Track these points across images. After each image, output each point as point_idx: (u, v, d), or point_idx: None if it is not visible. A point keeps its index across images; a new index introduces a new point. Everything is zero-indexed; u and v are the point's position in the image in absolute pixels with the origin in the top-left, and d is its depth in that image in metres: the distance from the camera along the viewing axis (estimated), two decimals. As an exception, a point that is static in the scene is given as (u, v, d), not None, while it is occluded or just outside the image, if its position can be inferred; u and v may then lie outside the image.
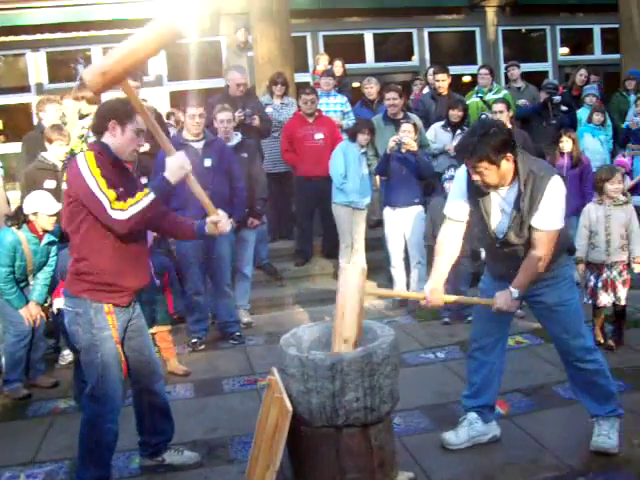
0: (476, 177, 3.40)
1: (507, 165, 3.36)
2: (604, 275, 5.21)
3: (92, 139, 6.02)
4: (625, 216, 5.17)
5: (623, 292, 5.20)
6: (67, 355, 5.53)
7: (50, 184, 5.59)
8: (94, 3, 10.89)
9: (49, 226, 4.98)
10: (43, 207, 4.94)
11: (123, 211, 3.16)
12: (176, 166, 3.25)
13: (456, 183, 3.72)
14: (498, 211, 3.52)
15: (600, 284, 5.23)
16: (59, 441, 4.26)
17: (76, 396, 4.71)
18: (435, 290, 3.65)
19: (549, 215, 3.37)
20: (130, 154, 3.44)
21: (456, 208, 3.67)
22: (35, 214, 4.95)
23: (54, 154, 5.71)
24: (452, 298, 3.87)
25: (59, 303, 4.57)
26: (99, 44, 11.50)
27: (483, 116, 7.38)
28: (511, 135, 3.44)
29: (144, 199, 3.20)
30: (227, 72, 7.85)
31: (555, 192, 3.37)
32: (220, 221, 3.50)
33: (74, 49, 11.69)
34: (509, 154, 3.34)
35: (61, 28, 11.03)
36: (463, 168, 3.61)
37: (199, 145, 5.73)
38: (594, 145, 8.20)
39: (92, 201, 3.18)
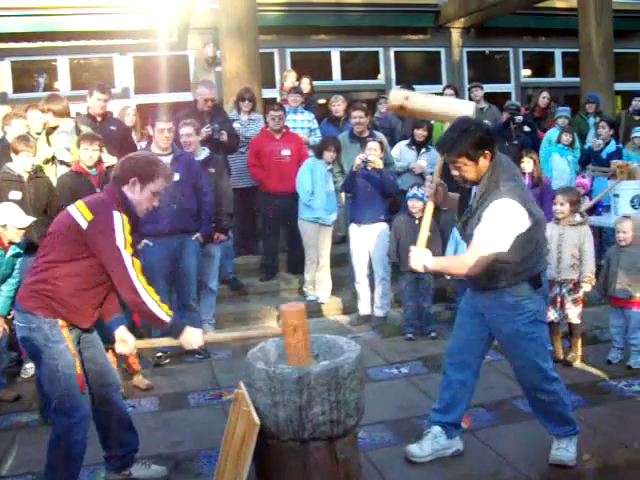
0: (455, 172, 3.52)
1: (484, 162, 3.45)
2: (554, 292, 5.35)
3: (62, 168, 6.05)
4: (578, 236, 5.30)
5: (573, 310, 5.34)
6: (29, 368, 5.46)
7: (15, 195, 5.52)
8: (61, 14, 10.84)
9: (17, 238, 4.93)
10: (13, 220, 4.88)
11: (148, 294, 3.27)
12: (191, 340, 3.40)
13: None
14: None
15: (549, 300, 5.38)
16: (22, 455, 4.21)
17: (41, 409, 4.67)
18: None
19: (485, 230, 3.39)
20: (142, 212, 3.50)
21: None
22: (4, 226, 4.89)
23: (20, 165, 5.64)
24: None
25: None
26: (65, 55, 11.47)
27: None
28: (490, 134, 3.53)
29: (162, 313, 3.31)
30: (196, 87, 7.89)
31: (497, 211, 3.36)
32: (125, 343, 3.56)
33: (40, 59, 11.61)
34: (487, 151, 3.43)
35: (27, 38, 10.97)
36: None
37: (167, 159, 5.72)
38: (562, 165, 8.41)
39: (117, 267, 3.25)
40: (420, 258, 3.51)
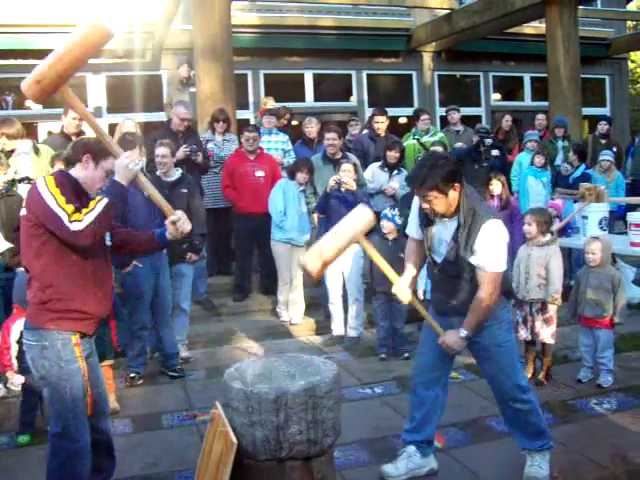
0: (425, 205, 3.58)
1: (454, 194, 3.53)
2: (524, 311, 5.48)
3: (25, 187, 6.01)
4: (544, 256, 5.38)
5: (545, 330, 5.42)
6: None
7: (-14, 214, 5.49)
8: (34, 32, 10.79)
9: None
10: None
11: (80, 222, 3.13)
12: (122, 166, 3.27)
13: (413, 208, 3.91)
14: (438, 241, 3.70)
15: (520, 319, 5.52)
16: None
17: (21, 429, 4.64)
18: (405, 286, 3.81)
19: (489, 256, 3.51)
20: (95, 191, 3.42)
21: (412, 228, 3.93)
22: None
23: (-9, 183, 5.61)
24: (419, 305, 3.91)
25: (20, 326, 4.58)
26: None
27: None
28: (459, 167, 3.62)
29: (98, 205, 3.19)
30: (169, 107, 7.91)
31: (491, 234, 3.50)
32: (179, 220, 3.47)
33: (11, 77, 11.50)
34: (456, 184, 3.51)
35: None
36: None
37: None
38: (537, 188, 8.57)
39: (50, 218, 3.16)
40: (452, 338, 3.68)
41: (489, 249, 3.50)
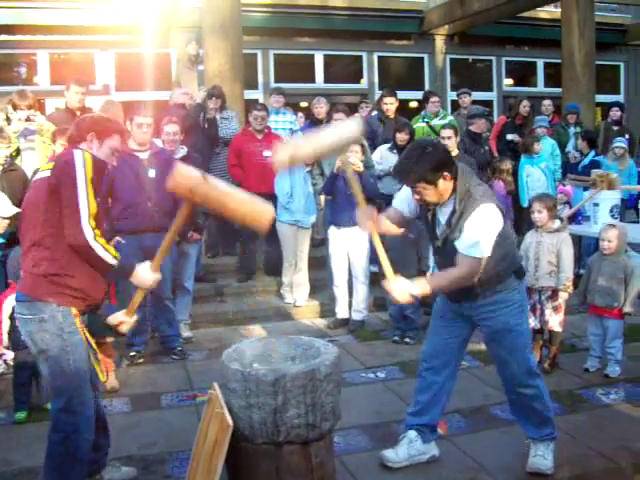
0: (416, 197, 3.46)
1: (445, 184, 3.38)
2: (533, 299, 5.35)
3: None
4: (555, 243, 5.27)
5: (554, 318, 5.32)
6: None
7: (-12, 187, 5.43)
8: (43, 7, 10.71)
9: (0, 229, 4.84)
10: None
11: (94, 237, 3.12)
12: (142, 278, 3.33)
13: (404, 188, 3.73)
14: (438, 223, 3.57)
15: (529, 307, 5.37)
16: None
17: (17, 406, 4.59)
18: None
19: (470, 240, 3.35)
20: None
21: (400, 202, 3.75)
22: None
23: (-6, 157, 5.55)
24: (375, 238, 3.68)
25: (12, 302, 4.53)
26: (45, 49, 11.31)
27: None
28: (448, 154, 3.49)
29: (109, 256, 3.20)
30: (177, 85, 7.87)
31: (481, 219, 3.35)
32: (124, 323, 3.48)
33: (19, 52, 11.46)
34: (446, 173, 3.36)
35: (6, 30, 10.82)
36: None
37: (144, 155, 5.64)
38: (535, 173, 8.45)
39: (71, 204, 3.10)
40: (402, 291, 3.46)
41: (473, 233, 3.34)
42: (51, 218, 3.18)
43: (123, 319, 3.45)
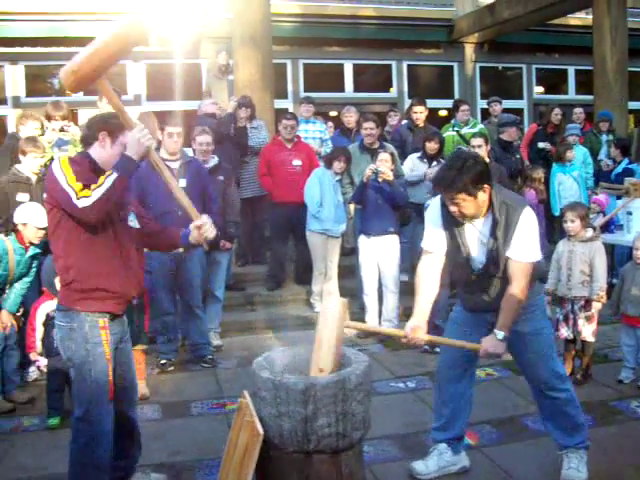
0: (454, 208, 3.42)
1: (484, 196, 3.40)
2: (565, 309, 5.30)
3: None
4: (588, 252, 5.20)
5: (587, 328, 5.24)
6: (32, 372, 5.42)
7: (23, 197, 5.50)
8: (75, 19, 10.88)
9: (36, 239, 4.92)
10: (34, 219, 4.88)
11: (88, 198, 3.08)
12: (134, 140, 3.17)
13: (430, 215, 3.68)
14: (475, 242, 3.54)
15: (561, 317, 5.34)
16: (20, 459, 4.15)
17: (49, 412, 4.65)
18: (417, 328, 3.54)
19: (523, 246, 3.39)
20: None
21: (433, 240, 3.64)
22: (25, 224, 4.90)
23: (28, 167, 5.63)
24: (435, 339, 3.75)
25: (46, 309, 4.69)
26: (78, 60, 11.47)
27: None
28: (487, 167, 3.47)
29: (107, 180, 3.12)
30: (208, 95, 7.96)
31: (527, 222, 3.40)
32: (204, 225, 3.44)
33: (53, 64, 11.63)
34: (486, 185, 3.37)
35: (41, 42, 11.01)
36: (436, 200, 3.64)
37: (175, 165, 5.69)
38: (567, 182, 8.38)
39: (61, 195, 3.13)
40: (490, 344, 3.44)
41: (526, 238, 3.39)
42: (56, 230, 3.26)
43: (198, 223, 3.43)
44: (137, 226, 3.51)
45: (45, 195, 3.33)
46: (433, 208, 3.67)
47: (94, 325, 3.27)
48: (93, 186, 3.11)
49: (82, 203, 3.08)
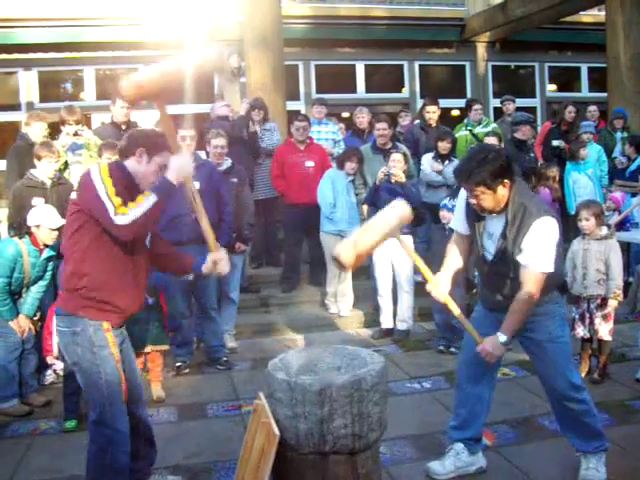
0: (473, 200, 3.44)
1: (503, 191, 3.38)
2: (581, 308, 5.27)
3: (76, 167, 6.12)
4: (604, 250, 5.16)
5: (603, 327, 5.20)
6: (49, 375, 5.45)
7: (38, 201, 5.52)
8: (87, 25, 10.95)
9: (49, 240, 4.95)
10: (47, 220, 4.91)
11: (125, 215, 3.08)
12: (178, 165, 3.21)
13: (458, 202, 3.79)
14: (488, 235, 3.55)
15: (577, 316, 5.30)
16: (37, 462, 4.18)
17: (66, 415, 4.67)
18: (440, 280, 3.65)
19: (535, 254, 3.34)
20: (147, 186, 3.33)
21: (458, 222, 3.78)
22: (38, 227, 4.93)
23: (43, 171, 5.66)
24: (453, 306, 3.70)
25: None
26: (91, 65, 11.57)
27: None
28: (509, 162, 3.45)
29: (146, 201, 3.14)
30: (220, 97, 7.98)
31: (541, 232, 3.34)
32: (221, 260, 3.48)
33: (66, 69, 11.73)
34: (506, 180, 3.36)
35: (54, 48, 11.09)
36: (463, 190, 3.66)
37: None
38: (581, 180, 8.35)
39: (98, 206, 3.11)
40: (490, 344, 3.48)
41: (537, 247, 3.34)
42: (76, 234, 3.25)
43: (217, 257, 3.48)
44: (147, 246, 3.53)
45: (74, 195, 3.30)
46: (461, 196, 3.71)
47: (99, 328, 3.27)
48: (130, 204, 3.12)
49: (119, 220, 3.09)
